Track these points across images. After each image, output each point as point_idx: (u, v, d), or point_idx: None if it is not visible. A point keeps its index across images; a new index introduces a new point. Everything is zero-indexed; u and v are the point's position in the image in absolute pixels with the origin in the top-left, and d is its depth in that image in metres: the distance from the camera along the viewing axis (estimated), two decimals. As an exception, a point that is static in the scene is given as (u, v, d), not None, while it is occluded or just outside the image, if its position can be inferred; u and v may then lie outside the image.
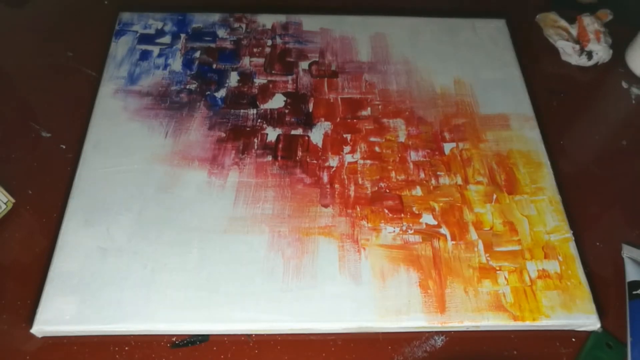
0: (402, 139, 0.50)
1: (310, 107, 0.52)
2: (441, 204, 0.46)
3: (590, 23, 0.58)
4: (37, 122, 0.52)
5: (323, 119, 0.51)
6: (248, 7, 0.61)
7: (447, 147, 0.50)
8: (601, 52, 0.58)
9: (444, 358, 0.40)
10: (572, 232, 0.45)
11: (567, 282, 0.42)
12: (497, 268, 0.43)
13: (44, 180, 0.48)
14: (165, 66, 0.54)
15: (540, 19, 0.61)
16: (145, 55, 0.55)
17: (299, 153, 0.49)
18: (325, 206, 0.46)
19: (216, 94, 0.53)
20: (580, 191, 0.49)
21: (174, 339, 0.40)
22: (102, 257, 0.42)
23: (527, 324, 0.40)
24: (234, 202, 0.45)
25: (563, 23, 0.60)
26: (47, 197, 0.47)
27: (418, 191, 0.47)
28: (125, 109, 0.51)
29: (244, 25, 0.58)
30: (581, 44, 0.58)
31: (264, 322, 0.40)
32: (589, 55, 0.58)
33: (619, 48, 0.60)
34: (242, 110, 0.52)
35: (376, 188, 0.47)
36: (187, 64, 0.55)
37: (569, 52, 0.59)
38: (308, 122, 0.51)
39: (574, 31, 0.59)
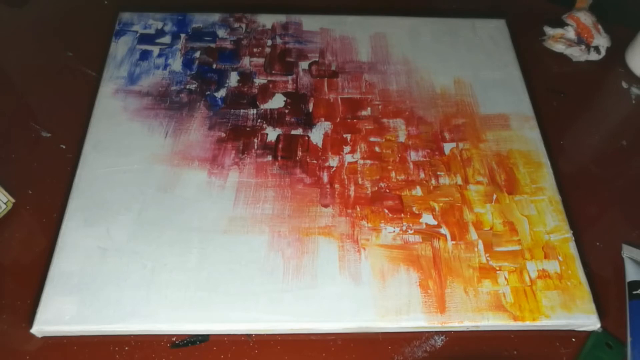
0: (402, 139, 0.50)
1: (310, 107, 0.52)
2: (441, 204, 0.46)
3: (585, 17, 0.59)
4: (37, 122, 0.52)
5: (323, 119, 0.51)
6: (248, 7, 0.61)
7: (447, 147, 0.50)
8: (606, 42, 0.59)
9: (444, 358, 0.40)
10: (572, 232, 0.45)
11: (567, 282, 0.42)
12: (497, 268, 0.43)
13: (44, 180, 0.48)
14: (165, 66, 0.54)
15: (546, 41, 0.61)
16: (145, 55, 0.55)
17: (299, 153, 0.49)
18: (325, 206, 0.46)
19: (216, 94, 0.53)
20: (580, 191, 0.49)
21: (174, 339, 0.40)
22: (102, 257, 0.42)
23: (527, 324, 0.40)
24: (234, 202, 0.45)
25: (560, 31, 0.60)
26: (47, 197, 0.47)
27: (418, 191, 0.47)
28: (125, 109, 0.51)
29: (244, 25, 0.58)
30: (586, 41, 0.59)
31: (264, 322, 0.40)
32: (597, 49, 0.59)
33: (619, 48, 0.60)
34: (242, 110, 0.52)
35: (376, 188, 0.47)
36: (187, 64, 0.55)
37: (577, 55, 0.59)
38: (308, 122, 0.51)
39: (572, 33, 0.59)
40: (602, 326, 0.41)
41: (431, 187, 0.47)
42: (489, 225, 0.45)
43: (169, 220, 0.44)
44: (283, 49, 0.57)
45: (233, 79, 0.54)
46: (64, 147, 0.50)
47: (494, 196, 0.47)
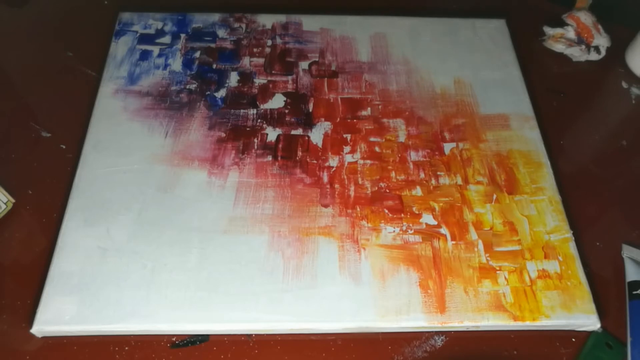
0: (402, 139, 0.50)
1: (310, 107, 0.52)
2: (441, 204, 0.46)
3: (585, 17, 0.59)
4: (37, 122, 0.52)
5: (323, 119, 0.51)
6: (248, 7, 0.61)
7: (447, 147, 0.50)
8: (606, 42, 0.59)
9: (444, 358, 0.40)
10: (572, 232, 0.45)
11: (567, 282, 0.42)
12: (497, 268, 0.43)
13: (44, 180, 0.48)
14: (165, 66, 0.54)
15: (546, 41, 0.61)
16: (145, 55, 0.55)
17: (299, 153, 0.49)
18: (325, 206, 0.46)
19: (216, 94, 0.53)
20: (580, 191, 0.49)
21: (174, 339, 0.40)
22: (102, 257, 0.42)
23: (527, 324, 0.40)
24: (234, 202, 0.45)
25: (560, 31, 0.60)
26: (47, 197, 0.47)
27: (418, 191, 0.47)
28: (125, 109, 0.51)
29: (244, 25, 0.58)
30: (586, 41, 0.59)
31: (264, 322, 0.40)
32: (597, 49, 0.59)
33: (619, 48, 0.60)
34: (242, 110, 0.52)
35: (376, 188, 0.47)
36: (187, 64, 0.55)
37: (577, 55, 0.59)
38: (308, 122, 0.51)
39: (572, 33, 0.59)
40: (602, 326, 0.41)
41: (431, 187, 0.47)
42: (489, 225, 0.45)
43: (169, 220, 0.44)
44: (283, 49, 0.57)
45: (233, 79, 0.54)
46: (64, 147, 0.50)
47: (494, 196, 0.47)
